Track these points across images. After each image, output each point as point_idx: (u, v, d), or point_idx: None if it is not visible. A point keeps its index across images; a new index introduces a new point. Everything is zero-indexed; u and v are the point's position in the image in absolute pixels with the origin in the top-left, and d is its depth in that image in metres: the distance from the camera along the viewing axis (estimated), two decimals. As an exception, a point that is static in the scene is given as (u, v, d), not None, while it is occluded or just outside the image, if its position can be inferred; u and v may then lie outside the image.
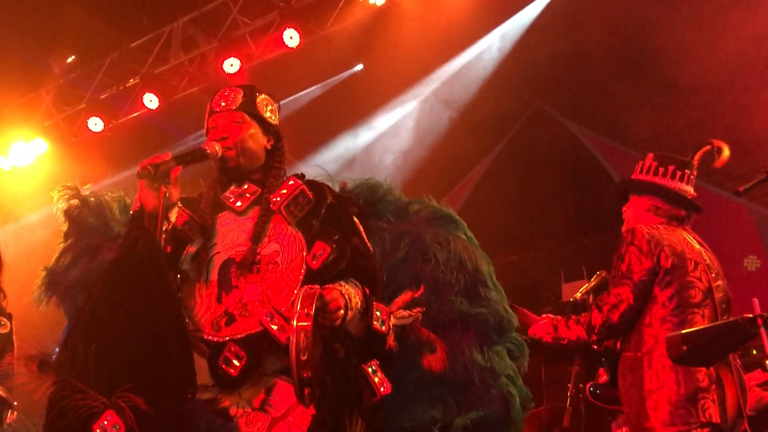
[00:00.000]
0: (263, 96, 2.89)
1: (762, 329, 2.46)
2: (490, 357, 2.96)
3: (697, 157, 3.58)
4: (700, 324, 3.19)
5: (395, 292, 2.84)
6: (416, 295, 2.80)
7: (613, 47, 7.14)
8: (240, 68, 7.45)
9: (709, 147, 3.58)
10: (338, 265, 2.61)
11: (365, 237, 2.79)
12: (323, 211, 2.74)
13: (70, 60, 8.62)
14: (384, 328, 2.58)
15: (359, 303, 2.52)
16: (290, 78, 7.97)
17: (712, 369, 3.16)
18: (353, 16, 7.34)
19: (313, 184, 2.81)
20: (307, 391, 2.29)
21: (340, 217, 2.76)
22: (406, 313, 2.76)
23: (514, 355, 3.05)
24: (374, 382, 2.56)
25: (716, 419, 3.13)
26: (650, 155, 3.61)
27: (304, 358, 2.25)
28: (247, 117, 2.80)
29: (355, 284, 2.59)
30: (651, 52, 7.03)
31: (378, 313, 2.57)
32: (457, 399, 2.90)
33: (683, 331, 2.82)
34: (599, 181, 8.11)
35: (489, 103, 7.87)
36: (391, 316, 2.67)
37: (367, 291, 2.60)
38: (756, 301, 2.46)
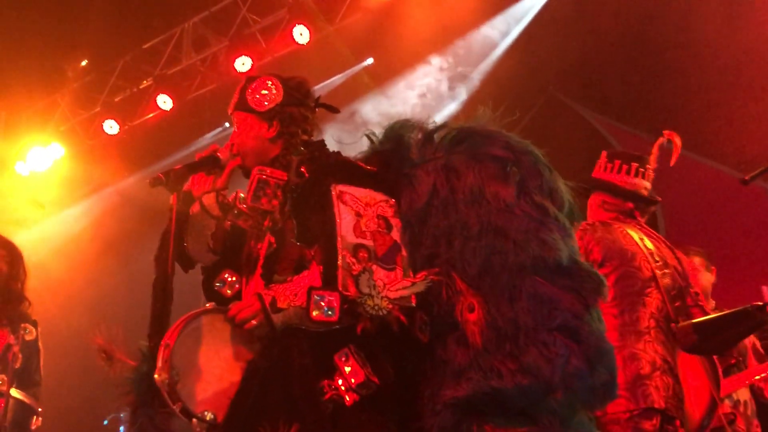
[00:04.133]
0: (257, 80, 2.73)
1: (772, 316, 2.45)
2: (534, 307, 2.29)
3: (653, 149, 3.70)
4: (641, 311, 3.22)
5: (429, 247, 2.46)
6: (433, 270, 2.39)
7: (627, 31, 7.07)
8: (251, 66, 7.48)
9: (662, 138, 3.70)
10: (275, 256, 2.52)
11: (337, 210, 2.40)
12: (287, 194, 2.59)
13: (83, 64, 8.69)
14: (331, 315, 2.30)
15: (295, 298, 2.36)
16: (301, 74, 7.95)
17: (656, 356, 3.17)
18: (362, 11, 7.34)
19: (284, 166, 2.65)
20: (194, 422, 2.29)
21: (304, 198, 2.54)
22: (408, 281, 2.37)
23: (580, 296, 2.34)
24: (344, 374, 2.34)
25: (659, 404, 3.12)
26: (603, 153, 3.76)
27: (172, 392, 2.29)
28: (242, 115, 2.72)
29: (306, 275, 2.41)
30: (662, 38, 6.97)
31: (321, 302, 2.30)
32: (488, 366, 2.29)
33: (694, 321, 2.82)
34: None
35: (500, 93, 7.83)
36: (386, 292, 2.33)
37: (320, 275, 2.36)
38: (765, 288, 2.45)
